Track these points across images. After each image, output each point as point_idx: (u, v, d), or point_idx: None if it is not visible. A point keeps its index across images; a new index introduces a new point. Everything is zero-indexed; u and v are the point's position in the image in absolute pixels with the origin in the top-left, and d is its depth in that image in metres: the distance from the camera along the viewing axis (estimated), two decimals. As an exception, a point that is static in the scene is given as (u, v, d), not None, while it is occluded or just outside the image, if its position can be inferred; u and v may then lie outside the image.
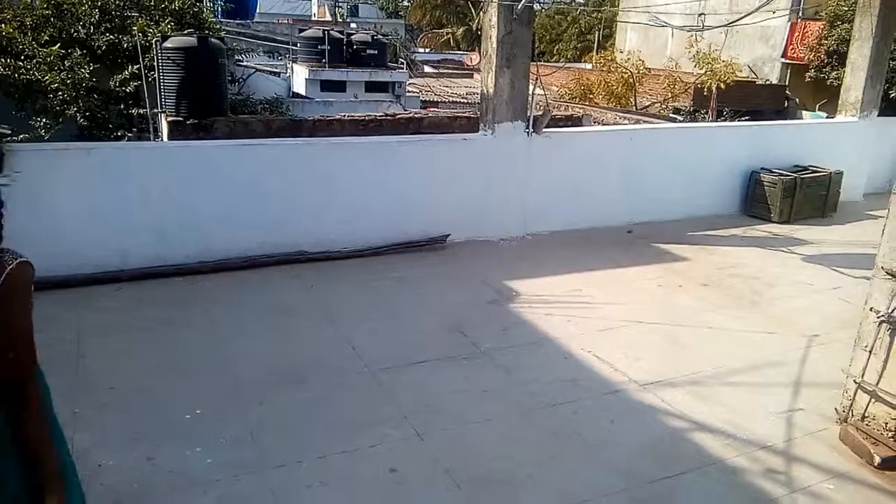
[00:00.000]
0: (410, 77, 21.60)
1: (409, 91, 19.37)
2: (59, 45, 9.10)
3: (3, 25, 8.88)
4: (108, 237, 5.37)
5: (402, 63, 22.61)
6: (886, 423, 3.49)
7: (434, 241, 6.41)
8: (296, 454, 3.30)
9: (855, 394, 3.66)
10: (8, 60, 8.83)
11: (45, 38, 9.33)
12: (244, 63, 15.16)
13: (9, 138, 8.29)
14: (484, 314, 5.09)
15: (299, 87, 18.06)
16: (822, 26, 17.13)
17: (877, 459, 3.39)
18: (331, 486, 3.10)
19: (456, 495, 3.11)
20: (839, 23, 16.11)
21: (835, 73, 15.81)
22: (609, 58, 19.70)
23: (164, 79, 8.22)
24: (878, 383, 3.55)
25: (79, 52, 9.23)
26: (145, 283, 5.28)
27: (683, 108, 16.13)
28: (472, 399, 3.89)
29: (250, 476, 3.13)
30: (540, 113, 6.86)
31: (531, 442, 3.53)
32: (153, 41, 8.67)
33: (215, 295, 5.18)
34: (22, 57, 9.02)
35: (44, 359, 4.26)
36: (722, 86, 15.24)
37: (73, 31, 9.62)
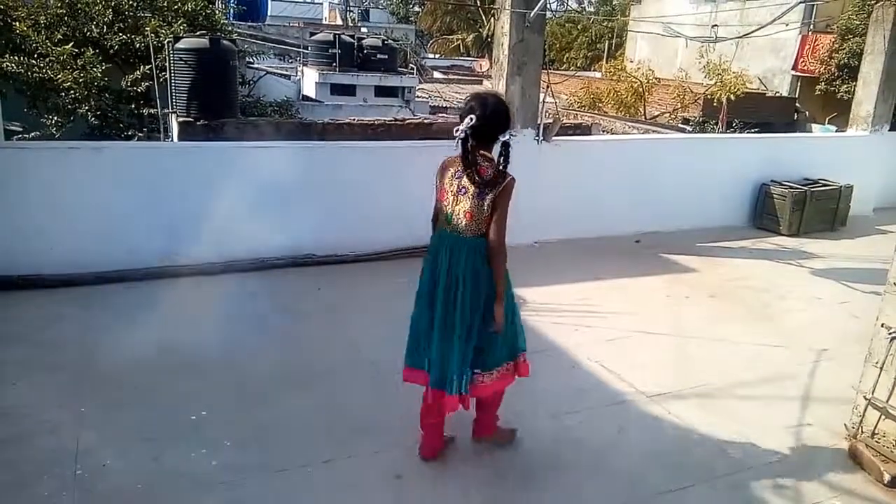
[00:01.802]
0: (420, 82, 21.64)
1: (418, 96, 19.40)
2: (72, 44, 9.18)
3: (17, 23, 8.96)
4: (117, 236, 5.38)
5: (412, 68, 22.66)
6: (897, 441, 3.46)
7: (442, 247, 6.39)
8: (301, 458, 3.28)
9: (865, 410, 3.63)
10: (21, 58, 8.90)
11: (59, 36, 9.41)
12: (255, 65, 15.24)
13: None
14: (491, 321, 5.06)
15: (309, 90, 18.10)
16: (833, 39, 17.12)
17: (886, 477, 3.35)
18: (336, 491, 3.09)
19: (463, 503, 3.10)
20: (850, 36, 16.10)
21: (845, 86, 15.79)
22: (619, 67, 19.71)
23: (175, 79, 8.27)
24: (888, 400, 3.52)
25: (91, 52, 9.30)
26: (153, 283, 5.29)
27: (693, 119, 16.13)
28: (478, 406, 3.87)
29: (255, 479, 3.12)
30: (550, 121, 6.85)
31: (537, 450, 3.51)
32: (165, 42, 8.72)
33: (223, 296, 5.18)
34: (35, 55, 9.10)
35: (51, 357, 4.25)
36: (732, 97, 15.23)
37: (86, 30, 9.70)
